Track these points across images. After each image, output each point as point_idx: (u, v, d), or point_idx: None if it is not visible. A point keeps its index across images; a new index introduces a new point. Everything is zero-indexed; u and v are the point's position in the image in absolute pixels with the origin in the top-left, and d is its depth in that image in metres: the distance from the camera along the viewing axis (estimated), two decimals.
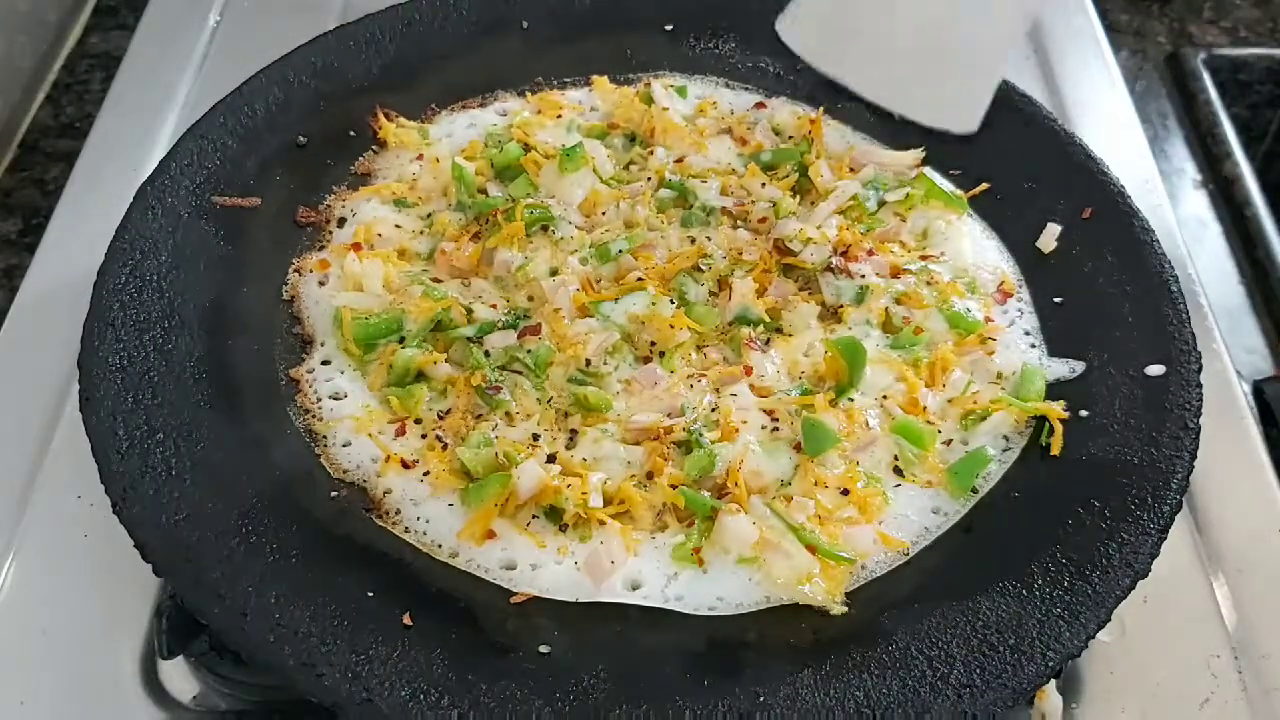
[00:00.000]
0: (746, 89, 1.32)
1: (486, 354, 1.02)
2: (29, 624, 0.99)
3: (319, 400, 1.02)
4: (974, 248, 1.16)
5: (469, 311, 1.06)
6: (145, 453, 0.91)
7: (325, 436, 0.99)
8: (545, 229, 1.12)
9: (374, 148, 1.23)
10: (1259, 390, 1.21)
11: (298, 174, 1.17)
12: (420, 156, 1.21)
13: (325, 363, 1.05)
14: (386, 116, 1.23)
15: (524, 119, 1.24)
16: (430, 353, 1.02)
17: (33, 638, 0.98)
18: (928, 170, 1.21)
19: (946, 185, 1.19)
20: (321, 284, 1.10)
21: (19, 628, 0.98)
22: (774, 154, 1.22)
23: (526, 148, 1.18)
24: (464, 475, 0.95)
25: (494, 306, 1.07)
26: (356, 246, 1.10)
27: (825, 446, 0.97)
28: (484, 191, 1.16)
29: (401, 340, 1.04)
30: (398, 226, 1.14)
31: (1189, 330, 1.05)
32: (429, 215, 1.16)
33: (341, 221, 1.15)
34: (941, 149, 1.23)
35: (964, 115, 1.06)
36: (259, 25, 1.54)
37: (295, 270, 1.11)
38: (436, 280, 1.09)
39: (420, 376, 1.02)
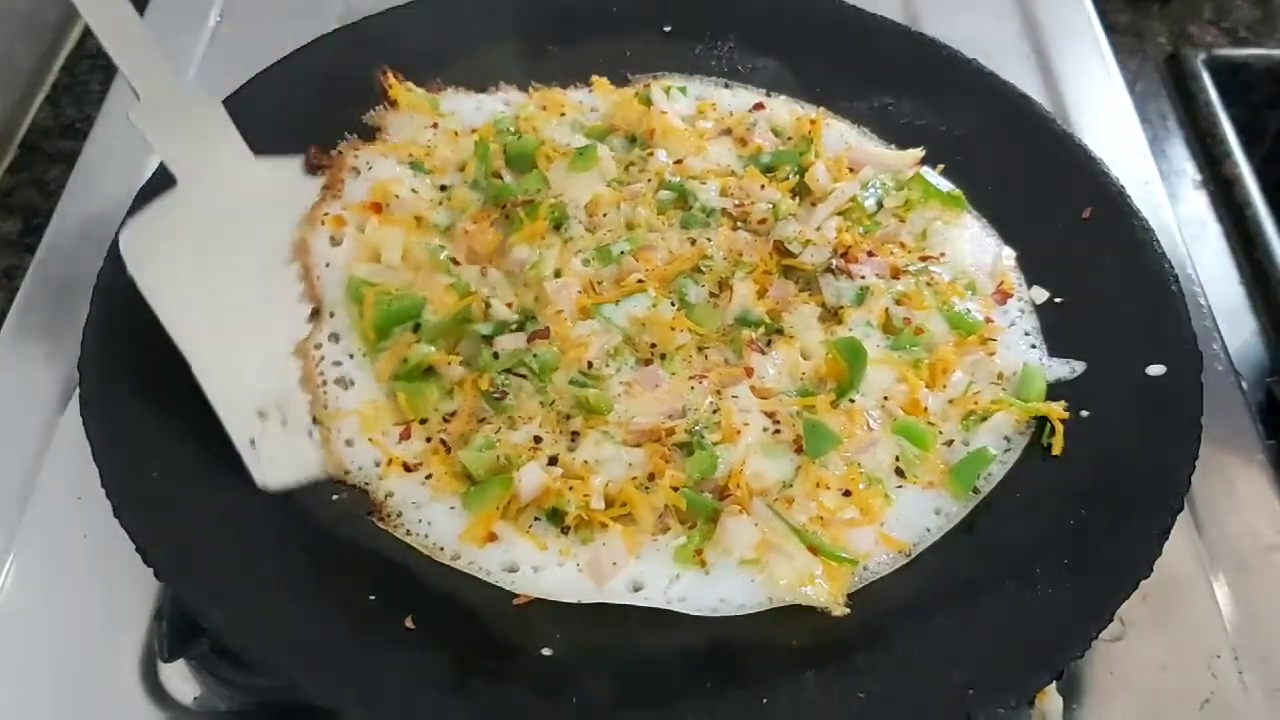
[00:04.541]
0: (746, 89, 1.32)
1: (495, 355, 1.02)
2: (29, 624, 0.99)
3: (325, 383, 1.01)
4: (973, 248, 1.16)
5: (486, 305, 1.05)
6: (145, 456, 0.91)
7: (329, 429, 0.98)
8: (558, 228, 1.11)
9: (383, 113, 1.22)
10: (1270, 391, 1.22)
11: None
12: (435, 125, 1.20)
13: (334, 338, 1.03)
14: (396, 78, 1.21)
15: (529, 113, 1.23)
16: (444, 352, 1.01)
17: (33, 638, 0.98)
18: (924, 170, 1.21)
19: (943, 184, 1.19)
20: (334, 243, 1.08)
21: (19, 628, 0.98)
22: (774, 156, 1.22)
23: (540, 142, 1.18)
24: (465, 478, 0.95)
25: (509, 305, 1.06)
26: (376, 207, 1.09)
27: (826, 448, 0.97)
28: (498, 176, 1.16)
29: (417, 328, 1.03)
30: (414, 190, 1.13)
31: (1189, 330, 1.05)
32: (445, 188, 1.15)
33: (355, 172, 1.14)
34: (941, 149, 1.23)
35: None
36: (259, 26, 1.53)
37: (306, 220, 1.08)
38: (454, 261, 1.08)
39: (430, 371, 1.01)
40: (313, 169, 1.13)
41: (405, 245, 1.07)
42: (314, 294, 1.05)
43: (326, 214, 1.09)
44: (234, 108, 1.16)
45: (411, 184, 1.14)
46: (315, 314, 1.04)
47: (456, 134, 1.18)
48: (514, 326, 1.03)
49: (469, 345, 1.03)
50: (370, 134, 1.20)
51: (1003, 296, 1.12)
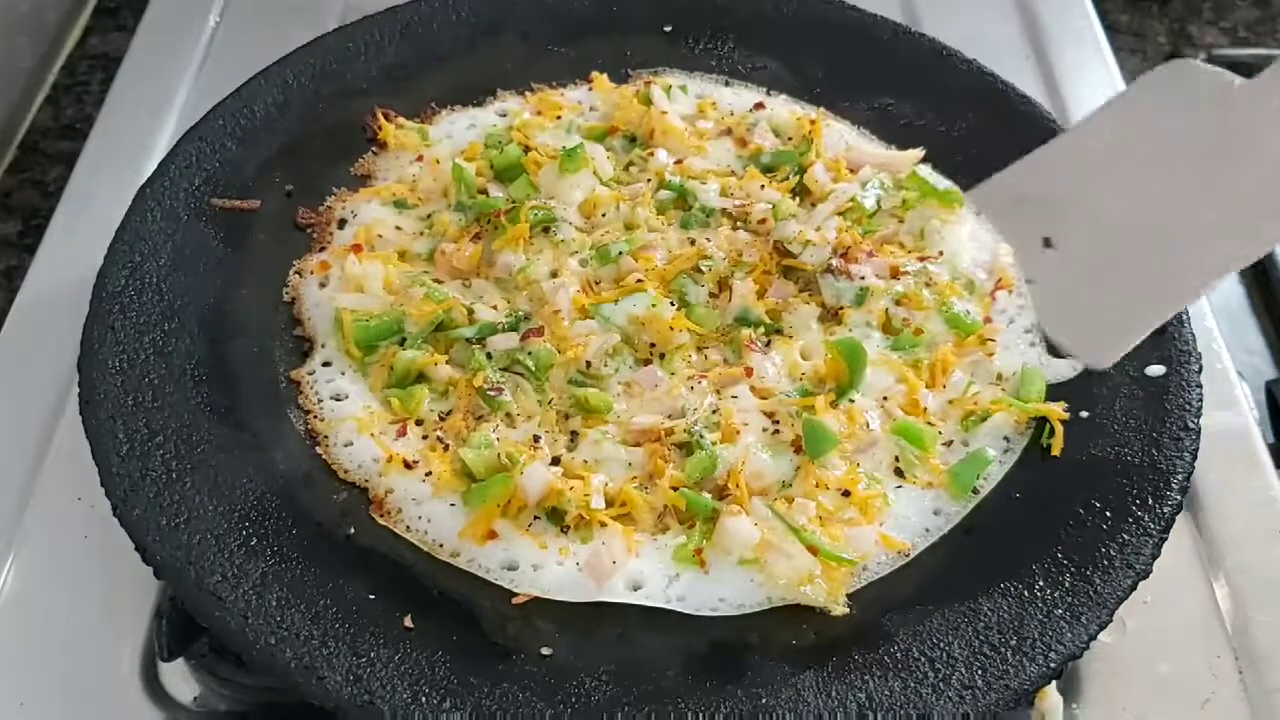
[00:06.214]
0: (747, 87, 1.31)
1: (489, 356, 1.02)
2: (29, 624, 0.99)
3: (320, 401, 1.02)
4: (972, 245, 1.16)
5: (470, 312, 1.05)
6: (145, 455, 0.91)
7: (327, 437, 0.99)
8: (546, 230, 1.11)
9: (374, 149, 1.23)
10: (1270, 391, 1.21)
11: (297, 176, 1.17)
12: (420, 158, 1.21)
13: (326, 364, 1.04)
14: (386, 117, 1.22)
15: (524, 120, 1.24)
16: (431, 354, 1.02)
17: (33, 638, 0.98)
18: (921, 169, 1.20)
19: (940, 181, 1.19)
20: (322, 285, 1.10)
21: (19, 628, 0.99)
22: (774, 157, 1.21)
23: (526, 149, 1.18)
24: (466, 476, 0.95)
25: (495, 308, 1.06)
26: (356, 248, 1.10)
27: (826, 448, 0.97)
28: (484, 192, 1.16)
29: (402, 342, 1.04)
30: (398, 228, 1.14)
31: (1189, 330, 1.05)
32: (429, 216, 1.16)
33: (342, 223, 1.15)
34: (941, 149, 1.23)
35: (1103, 349, 0.90)
36: (259, 26, 1.54)
37: (296, 272, 1.11)
38: (437, 281, 1.09)
39: (421, 378, 1.02)
40: (300, 227, 1.14)
41: (386, 276, 1.08)
42: (308, 335, 1.07)
43: (314, 264, 1.11)
44: (233, 108, 1.18)
45: (395, 222, 1.14)
46: (308, 352, 1.05)
47: (438, 162, 1.18)
48: (504, 327, 1.04)
49: (459, 351, 1.03)
50: (358, 183, 1.20)
51: (1001, 290, 1.12)
